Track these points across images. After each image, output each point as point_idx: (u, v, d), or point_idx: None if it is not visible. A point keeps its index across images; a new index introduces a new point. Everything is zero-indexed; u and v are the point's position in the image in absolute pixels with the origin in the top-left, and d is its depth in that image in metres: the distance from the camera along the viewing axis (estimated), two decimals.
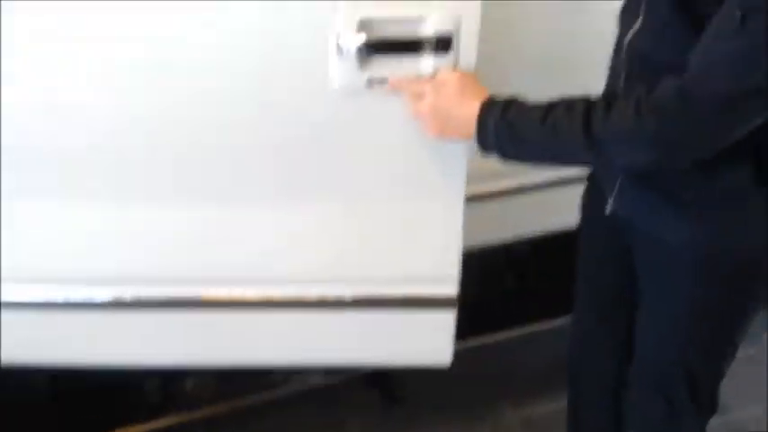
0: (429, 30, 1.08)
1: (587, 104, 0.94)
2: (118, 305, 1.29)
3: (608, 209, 1.18)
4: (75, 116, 1.15)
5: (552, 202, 1.72)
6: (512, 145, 1.01)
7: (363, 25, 1.07)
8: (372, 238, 1.27)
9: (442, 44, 1.09)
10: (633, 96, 0.91)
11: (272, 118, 1.17)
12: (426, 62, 1.10)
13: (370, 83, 1.11)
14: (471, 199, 1.75)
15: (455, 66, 1.10)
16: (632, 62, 1.02)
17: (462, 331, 1.35)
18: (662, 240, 1.13)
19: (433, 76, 1.08)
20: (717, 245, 1.10)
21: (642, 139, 0.90)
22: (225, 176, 1.22)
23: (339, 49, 1.09)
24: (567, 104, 0.96)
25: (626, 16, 1.05)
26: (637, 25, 1.00)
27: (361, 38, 1.07)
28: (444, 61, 1.10)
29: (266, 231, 1.24)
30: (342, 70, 1.10)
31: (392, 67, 1.10)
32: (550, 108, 0.97)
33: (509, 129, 0.99)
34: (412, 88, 1.09)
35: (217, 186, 1.23)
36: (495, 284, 2.10)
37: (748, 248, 1.10)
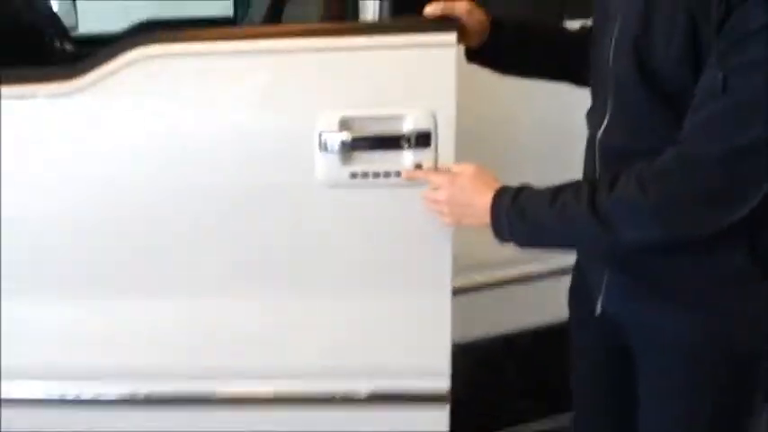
0: (408, 126, 1.13)
1: (592, 185, 0.96)
2: (124, 402, 1.28)
3: (597, 309, 1.15)
4: (70, 214, 1.20)
5: (554, 291, 1.71)
6: (524, 230, 1.02)
7: (345, 123, 1.12)
8: (358, 331, 1.26)
9: (421, 140, 1.13)
10: (634, 171, 0.91)
11: (261, 212, 1.20)
12: (406, 157, 1.13)
13: (353, 177, 1.14)
14: (470, 289, 1.77)
15: (435, 160, 1.13)
16: (605, 158, 1.04)
17: (460, 429, 1.31)
18: (657, 333, 1.09)
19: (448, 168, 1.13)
20: (715, 333, 1.04)
21: (648, 211, 0.90)
22: (216, 269, 1.24)
23: (323, 146, 1.13)
24: (575, 187, 0.98)
25: (593, 116, 1.07)
26: (605, 123, 1.02)
27: (343, 135, 1.12)
28: (424, 156, 1.13)
29: (251, 324, 1.25)
30: (325, 165, 1.14)
31: (374, 162, 1.14)
32: (558, 191, 0.99)
33: (520, 214, 1.01)
34: (429, 179, 1.13)
35: (208, 279, 1.25)
36: (496, 378, 2.05)
37: (750, 336, 1.04)
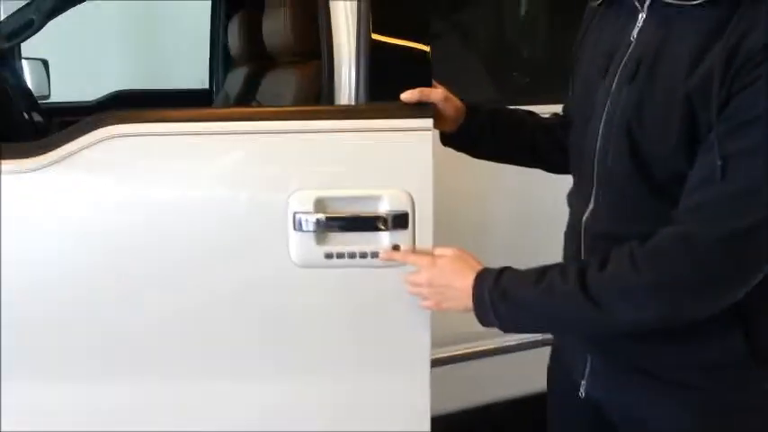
0: (385, 208, 1.12)
1: (580, 265, 0.94)
2: None
3: (581, 392, 1.11)
4: (36, 292, 1.16)
5: (532, 362, 1.68)
6: (507, 312, 0.98)
7: (320, 204, 1.11)
8: (337, 411, 1.22)
9: (399, 221, 1.12)
10: (625, 250, 0.89)
11: (235, 292, 1.17)
12: (383, 238, 1.13)
13: (329, 257, 1.13)
14: (448, 361, 1.75)
15: (413, 241, 1.13)
16: (591, 242, 1.02)
17: None
18: (647, 423, 1.03)
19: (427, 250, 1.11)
20: (712, 424, 0.99)
21: (642, 291, 0.87)
22: (188, 350, 1.20)
23: (297, 226, 1.12)
24: (561, 267, 0.96)
25: (577, 199, 1.07)
26: (590, 206, 1.02)
27: (317, 216, 1.11)
28: (401, 237, 1.13)
29: (227, 405, 1.20)
30: (300, 246, 1.13)
31: (349, 242, 1.13)
32: (544, 271, 0.96)
33: (503, 295, 0.97)
34: (408, 261, 1.11)
35: (179, 361, 1.20)
36: None
37: (750, 426, 0.99)
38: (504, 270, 1.00)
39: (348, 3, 1.38)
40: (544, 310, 0.96)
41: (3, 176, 1.11)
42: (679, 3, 0.86)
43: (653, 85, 0.89)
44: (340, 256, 1.12)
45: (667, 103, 0.87)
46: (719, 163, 0.82)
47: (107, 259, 1.15)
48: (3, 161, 1.11)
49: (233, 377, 1.20)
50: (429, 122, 1.12)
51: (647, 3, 0.92)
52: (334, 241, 1.13)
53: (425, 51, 1.18)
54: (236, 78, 2.58)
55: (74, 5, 2.45)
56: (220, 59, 2.95)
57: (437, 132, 1.19)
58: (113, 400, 1.18)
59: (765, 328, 0.95)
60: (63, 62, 2.95)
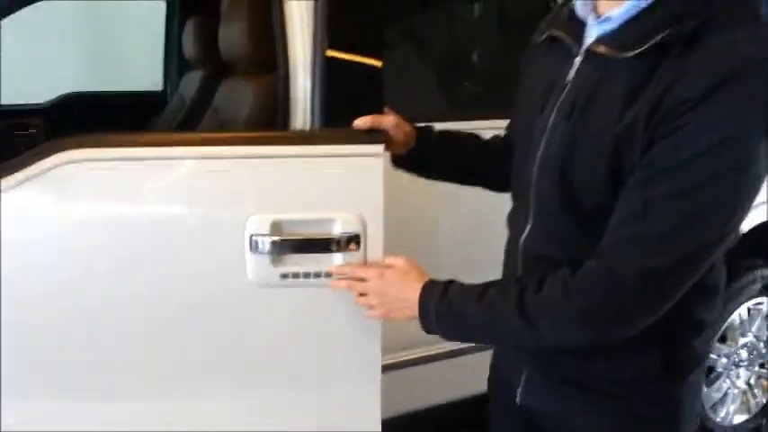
0: (338, 230, 1.17)
1: (521, 285, 1.00)
2: None
3: (518, 399, 1.18)
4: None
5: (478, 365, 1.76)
6: (452, 325, 1.05)
7: (276, 227, 1.16)
8: (291, 425, 1.27)
9: (351, 243, 1.18)
10: (559, 276, 0.95)
11: (193, 313, 1.21)
12: (336, 259, 1.18)
13: (284, 278, 1.17)
14: (399, 365, 1.81)
15: (364, 262, 1.18)
16: (526, 263, 1.09)
17: None
18: (573, 427, 1.12)
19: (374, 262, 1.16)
20: None
21: (572, 317, 0.94)
22: (146, 370, 1.23)
23: (254, 248, 1.16)
24: (502, 286, 1.02)
25: (515, 219, 1.13)
26: (527, 230, 1.08)
27: (273, 238, 1.15)
28: (353, 258, 1.18)
29: (185, 423, 1.23)
30: (256, 267, 1.17)
31: (304, 263, 1.18)
32: (486, 288, 1.02)
33: (448, 308, 1.03)
34: (357, 273, 1.16)
35: (137, 381, 1.23)
36: None
37: None
38: (450, 284, 1.07)
39: (305, 17, 1.43)
40: (485, 325, 1.02)
41: None
42: (611, 54, 0.92)
43: (585, 125, 0.95)
44: (295, 276, 1.17)
45: (597, 143, 0.93)
46: (640, 205, 0.88)
47: (64, 281, 1.17)
48: None
49: (191, 395, 1.23)
50: (380, 148, 1.18)
51: (582, 49, 0.99)
52: (289, 262, 1.18)
53: (379, 75, 1.22)
54: (192, 81, 2.58)
55: (26, 5, 2.43)
56: (175, 61, 2.93)
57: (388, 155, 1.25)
58: (72, 418, 1.21)
59: (678, 346, 1.04)
60: (14, 62, 2.89)
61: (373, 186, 1.18)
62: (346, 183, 1.19)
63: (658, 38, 0.87)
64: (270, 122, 1.76)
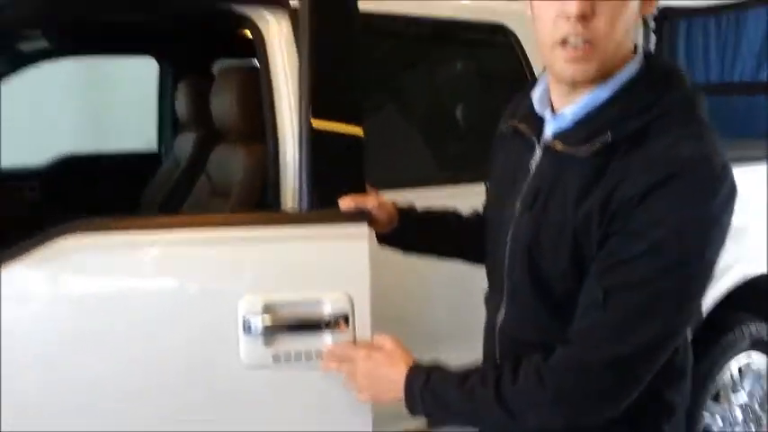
0: (327, 310, 1.22)
1: (498, 372, 1.03)
2: None
3: None
4: None
5: None
6: (436, 409, 1.08)
7: (267, 308, 1.20)
8: None
9: (340, 321, 1.21)
10: (533, 363, 0.98)
11: (187, 393, 1.24)
12: (327, 339, 1.22)
13: (276, 359, 1.21)
14: None
15: (354, 340, 1.22)
16: (503, 345, 1.13)
17: None
18: None
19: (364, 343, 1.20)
20: None
21: (547, 404, 0.98)
22: None
23: (246, 329, 1.20)
24: (482, 372, 1.06)
25: (492, 302, 1.17)
26: (502, 313, 1.12)
27: (266, 319, 1.19)
28: (343, 336, 1.22)
29: None
30: (249, 348, 1.21)
31: (296, 343, 1.22)
32: (467, 375, 1.06)
33: (432, 394, 1.06)
34: (346, 354, 1.19)
35: None
36: None
37: None
38: (434, 369, 1.10)
39: (291, 90, 1.49)
40: (466, 412, 1.06)
41: None
42: (564, 150, 0.99)
43: (547, 216, 1.01)
44: (287, 357, 1.21)
45: (558, 232, 0.98)
46: (600, 295, 0.93)
47: (60, 356, 1.19)
48: None
49: None
50: (365, 228, 1.23)
51: (541, 144, 1.04)
52: (281, 342, 1.21)
53: (361, 143, 1.28)
54: (185, 142, 2.65)
55: (18, 70, 2.50)
56: (169, 122, 3.01)
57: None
58: None
59: (646, 425, 1.07)
60: (13, 122, 2.96)
61: (360, 265, 1.22)
62: (334, 263, 1.23)
63: (606, 138, 0.94)
64: (260, 190, 1.83)
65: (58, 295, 1.21)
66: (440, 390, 1.07)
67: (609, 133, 0.93)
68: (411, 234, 1.32)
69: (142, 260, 1.22)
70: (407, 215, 1.32)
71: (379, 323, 1.24)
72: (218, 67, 2.83)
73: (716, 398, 2.40)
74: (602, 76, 0.96)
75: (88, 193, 2.76)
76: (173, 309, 1.22)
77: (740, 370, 2.44)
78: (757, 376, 2.48)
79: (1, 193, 2.76)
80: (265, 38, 1.54)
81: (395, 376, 1.11)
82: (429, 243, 1.34)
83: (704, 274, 0.94)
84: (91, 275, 1.21)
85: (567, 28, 0.92)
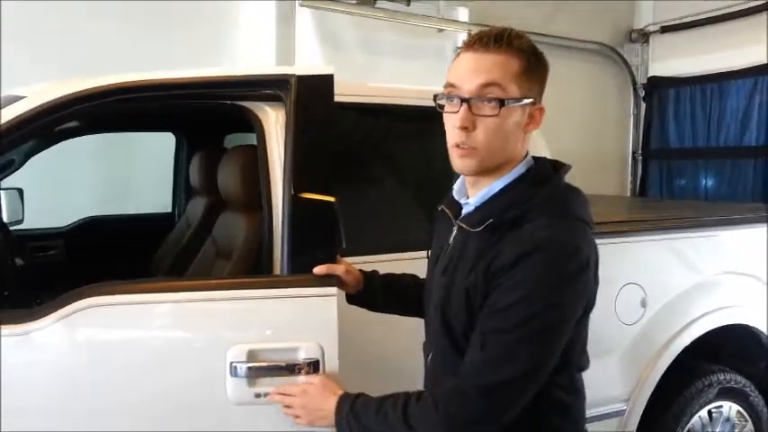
0: (302, 356, 1.46)
1: (407, 398, 1.26)
2: None
3: None
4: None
5: None
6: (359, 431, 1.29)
7: (251, 355, 1.44)
8: None
9: (312, 366, 1.46)
10: (431, 392, 1.24)
11: (187, 422, 1.47)
12: (301, 380, 1.46)
13: (258, 397, 1.45)
14: None
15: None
16: (431, 379, 1.38)
17: None
18: None
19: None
20: None
21: (440, 424, 1.18)
22: None
23: (233, 372, 1.44)
24: (395, 398, 1.28)
25: (426, 349, 1.42)
26: (430, 357, 1.38)
27: (249, 365, 1.44)
28: (314, 378, 1.45)
29: None
30: (235, 388, 1.45)
31: (275, 384, 1.45)
32: (384, 401, 1.28)
33: (355, 418, 1.28)
34: (286, 390, 1.42)
35: None
36: None
37: None
38: (358, 396, 1.33)
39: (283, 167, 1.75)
40: (381, 431, 1.27)
41: (2, 339, 1.41)
42: (467, 229, 1.26)
43: (454, 278, 1.27)
44: (267, 395, 1.45)
45: (459, 291, 1.24)
46: (479, 338, 1.19)
47: (76, 399, 1.43)
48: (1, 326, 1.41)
49: None
50: (334, 290, 1.48)
51: (456, 222, 1.32)
52: (262, 384, 1.45)
53: (335, 228, 1.54)
54: (196, 207, 2.93)
55: (50, 146, 2.80)
56: (182, 188, 3.30)
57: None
58: None
59: None
60: (39, 188, 3.24)
61: (329, 320, 1.47)
62: (307, 318, 1.48)
63: (490, 222, 1.22)
64: (257, 254, 2.08)
65: (77, 346, 1.45)
66: (362, 414, 1.30)
67: (493, 219, 1.22)
68: (374, 294, 1.57)
69: (149, 317, 1.48)
70: (371, 279, 1.57)
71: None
72: (229, 138, 3.15)
73: None
74: (488, 171, 1.26)
75: (109, 251, 3.05)
76: (172, 356, 1.47)
77: (710, 414, 2.57)
78: (725, 421, 2.61)
79: (29, 250, 3.04)
80: (264, 125, 1.80)
81: (326, 406, 1.35)
82: (390, 303, 1.60)
83: (561, 321, 1.18)
84: (105, 329, 1.46)
85: (456, 136, 1.23)
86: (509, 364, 1.16)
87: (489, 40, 1.21)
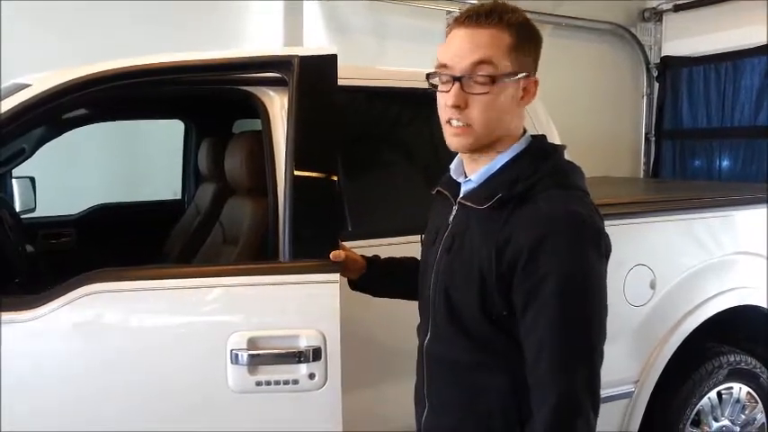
0: (303, 344, 1.46)
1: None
2: None
3: None
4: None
5: None
6: None
7: (251, 343, 1.45)
8: None
9: (314, 354, 1.46)
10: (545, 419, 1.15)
11: (183, 416, 1.49)
12: (302, 368, 1.46)
13: (258, 385, 1.46)
14: None
15: (325, 370, 1.46)
16: (429, 361, 1.35)
17: None
18: None
19: None
20: None
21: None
22: None
23: (234, 360, 1.45)
24: None
25: (421, 330, 1.39)
26: (428, 336, 1.35)
27: (250, 352, 1.44)
28: (316, 367, 1.46)
29: None
30: (235, 376, 1.46)
31: (275, 372, 1.46)
32: None
33: None
34: None
35: None
36: None
37: None
38: None
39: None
40: None
41: (3, 326, 1.42)
42: (472, 206, 1.25)
43: (460, 256, 1.25)
44: (267, 383, 1.45)
45: (468, 269, 1.23)
46: (536, 336, 1.14)
47: (76, 385, 1.45)
48: (3, 312, 1.43)
49: None
50: (336, 276, 1.48)
51: (457, 201, 1.31)
52: (263, 372, 1.46)
53: (336, 209, 1.53)
54: (205, 192, 2.94)
55: (60, 135, 2.82)
56: (191, 174, 3.32)
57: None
58: None
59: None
60: (50, 177, 3.27)
61: (331, 307, 1.47)
62: (310, 305, 1.48)
63: (498, 197, 1.20)
64: (263, 239, 2.09)
65: (81, 331, 1.46)
66: None
67: (501, 194, 1.20)
68: (376, 279, 1.57)
69: (151, 303, 1.49)
70: (373, 263, 1.57)
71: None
72: (237, 125, 3.15)
73: (696, 423, 2.53)
74: (484, 147, 1.24)
75: (120, 238, 3.07)
76: (174, 342, 1.48)
77: (720, 396, 2.55)
78: (735, 402, 2.60)
79: (41, 237, 3.07)
80: (269, 110, 1.80)
81: None
82: (391, 287, 1.59)
83: (600, 288, 1.18)
84: (109, 315, 1.47)
85: (449, 113, 1.22)
86: (579, 353, 1.15)
87: (480, 16, 1.20)
